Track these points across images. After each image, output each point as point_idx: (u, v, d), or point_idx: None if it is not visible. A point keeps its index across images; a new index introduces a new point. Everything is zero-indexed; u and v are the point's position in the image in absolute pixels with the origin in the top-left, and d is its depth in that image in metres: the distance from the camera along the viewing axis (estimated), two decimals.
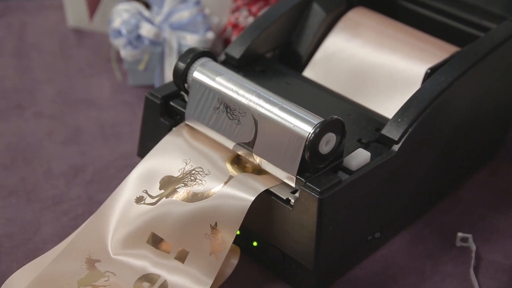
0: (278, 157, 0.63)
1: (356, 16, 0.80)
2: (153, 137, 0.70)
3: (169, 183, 0.66)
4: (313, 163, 0.62)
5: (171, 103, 0.70)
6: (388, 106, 0.73)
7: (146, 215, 0.65)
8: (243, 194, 0.63)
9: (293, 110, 0.63)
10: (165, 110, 0.71)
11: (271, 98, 0.64)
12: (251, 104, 0.64)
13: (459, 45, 0.77)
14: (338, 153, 0.64)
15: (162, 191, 0.66)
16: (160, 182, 0.66)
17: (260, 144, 0.64)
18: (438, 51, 0.76)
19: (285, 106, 0.63)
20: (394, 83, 0.75)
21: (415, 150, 0.68)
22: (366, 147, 0.67)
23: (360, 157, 0.64)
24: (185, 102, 0.70)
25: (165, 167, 0.67)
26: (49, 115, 0.89)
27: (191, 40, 0.90)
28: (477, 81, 0.72)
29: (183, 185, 0.65)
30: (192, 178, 0.65)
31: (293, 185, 0.63)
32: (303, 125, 0.62)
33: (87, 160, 0.82)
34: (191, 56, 0.68)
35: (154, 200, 0.65)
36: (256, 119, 0.64)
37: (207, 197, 0.64)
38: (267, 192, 0.64)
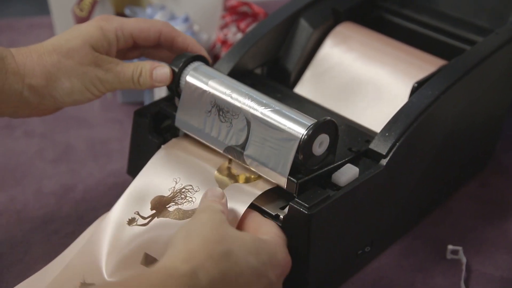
0: (270, 158, 0.63)
1: (344, 30, 0.81)
2: (142, 155, 0.70)
3: (160, 203, 0.66)
4: (306, 165, 0.62)
5: (161, 106, 0.70)
6: (376, 121, 0.73)
7: (139, 237, 0.65)
8: (230, 211, 0.63)
9: (286, 112, 0.63)
10: (153, 128, 0.71)
11: (264, 101, 0.65)
12: (244, 106, 0.64)
13: (446, 58, 0.78)
14: (331, 155, 0.64)
15: (154, 211, 0.66)
16: (151, 203, 0.66)
17: (252, 145, 0.64)
18: (425, 65, 0.76)
19: (278, 108, 0.64)
20: (382, 97, 0.75)
21: (403, 164, 0.69)
22: (356, 156, 0.67)
23: (348, 173, 0.64)
24: (175, 107, 0.70)
25: (156, 187, 0.67)
26: (40, 134, 0.89)
27: None
28: (464, 94, 0.73)
29: (174, 204, 0.65)
30: (183, 196, 0.65)
31: (284, 186, 0.63)
32: (296, 126, 0.62)
33: (77, 179, 0.82)
34: (184, 60, 0.68)
35: (146, 221, 0.65)
36: (249, 120, 0.64)
37: None
38: (257, 208, 0.64)
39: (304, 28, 0.80)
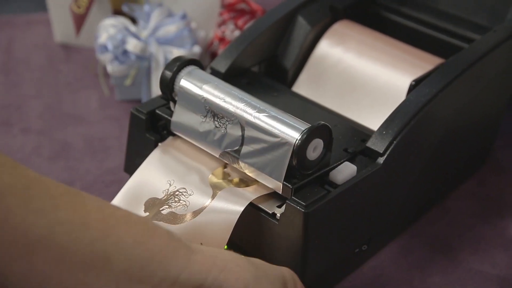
0: (265, 163, 0.63)
1: (341, 29, 0.80)
2: (139, 153, 0.70)
3: (153, 206, 0.66)
4: (301, 169, 0.62)
5: (157, 111, 0.70)
6: (373, 119, 0.73)
7: None
8: (225, 214, 0.63)
9: (280, 117, 0.63)
10: (150, 126, 0.71)
11: (258, 105, 0.64)
12: (238, 111, 0.64)
13: (443, 56, 0.77)
14: (326, 159, 0.64)
15: (147, 213, 0.65)
16: (145, 205, 0.66)
17: (247, 151, 0.64)
18: (423, 63, 0.76)
19: (272, 113, 0.64)
20: (379, 96, 0.75)
21: (401, 162, 0.68)
22: (352, 156, 0.67)
23: (346, 171, 0.64)
24: (171, 110, 0.70)
25: (150, 188, 0.66)
26: (37, 131, 0.89)
27: (178, 54, 0.90)
28: (462, 92, 0.72)
29: (167, 206, 0.65)
30: (176, 199, 0.65)
31: (279, 192, 0.63)
32: (290, 131, 0.62)
33: (74, 176, 0.82)
34: (178, 64, 0.68)
35: None
36: (243, 126, 0.64)
37: (191, 218, 0.64)
38: (253, 206, 0.64)
39: (302, 26, 0.80)
